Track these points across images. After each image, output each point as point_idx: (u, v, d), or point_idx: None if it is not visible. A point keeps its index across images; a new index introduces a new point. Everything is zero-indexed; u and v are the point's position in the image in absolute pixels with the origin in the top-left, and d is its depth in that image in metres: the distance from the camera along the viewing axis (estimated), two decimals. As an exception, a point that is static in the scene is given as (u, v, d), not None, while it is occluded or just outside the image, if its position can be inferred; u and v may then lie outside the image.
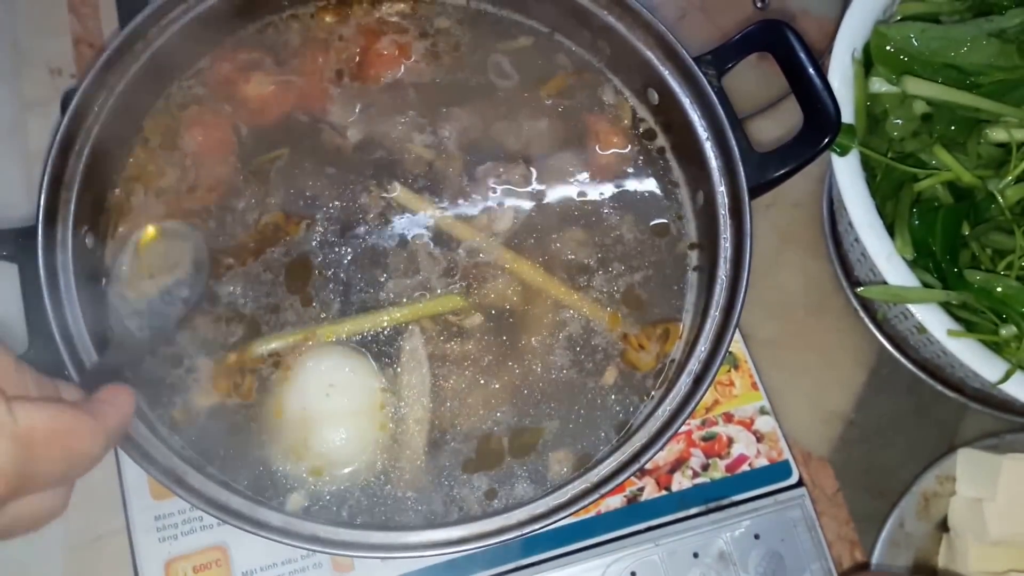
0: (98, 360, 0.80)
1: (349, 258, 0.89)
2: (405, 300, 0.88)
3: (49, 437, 0.57)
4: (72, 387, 0.68)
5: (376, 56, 0.95)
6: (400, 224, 0.91)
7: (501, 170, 0.93)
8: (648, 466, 0.86)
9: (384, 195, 0.91)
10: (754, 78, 1.10)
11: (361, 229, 0.90)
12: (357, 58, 0.96)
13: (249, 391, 0.85)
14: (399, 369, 0.87)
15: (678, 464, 0.96)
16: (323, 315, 0.88)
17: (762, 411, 0.99)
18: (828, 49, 1.12)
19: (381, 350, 0.87)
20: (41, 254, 0.80)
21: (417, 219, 0.91)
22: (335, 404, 0.84)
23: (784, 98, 1.13)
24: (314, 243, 0.90)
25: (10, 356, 0.61)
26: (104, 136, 0.86)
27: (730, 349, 0.84)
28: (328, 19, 0.97)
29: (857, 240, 0.90)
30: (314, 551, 0.87)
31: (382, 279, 0.89)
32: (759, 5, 1.16)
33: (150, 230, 0.89)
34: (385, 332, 0.87)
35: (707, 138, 0.88)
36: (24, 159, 1.07)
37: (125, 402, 0.68)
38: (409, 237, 0.90)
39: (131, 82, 0.87)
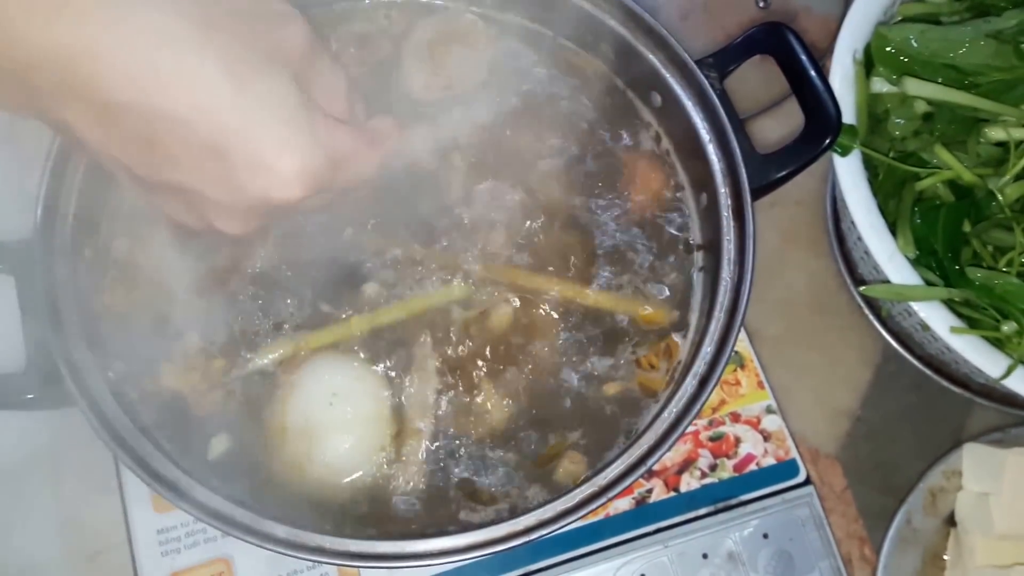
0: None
1: (348, 264, 0.90)
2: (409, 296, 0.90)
3: (348, 157, 0.69)
4: (363, 104, 0.78)
5: (378, 64, 0.97)
6: (405, 232, 0.92)
7: (500, 181, 0.94)
8: (656, 467, 0.88)
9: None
10: (757, 78, 1.12)
11: (362, 236, 0.91)
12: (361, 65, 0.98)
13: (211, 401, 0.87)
14: (406, 377, 0.88)
15: (686, 465, 0.98)
16: (321, 321, 0.88)
17: (769, 410, 1.01)
18: (831, 47, 1.15)
19: (387, 358, 0.88)
20: (39, 267, 0.82)
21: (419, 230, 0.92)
22: (339, 413, 0.84)
23: (787, 98, 1.14)
24: (316, 251, 0.90)
25: (337, 73, 0.72)
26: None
27: (736, 348, 0.86)
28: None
29: (860, 239, 0.92)
30: (320, 562, 0.90)
31: (387, 285, 0.90)
32: (762, 4, 1.18)
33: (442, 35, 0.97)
34: (392, 340, 0.88)
35: (709, 140, 0.89)
36: (17, 168, 1.09)
37: (394, 133, 0.80)
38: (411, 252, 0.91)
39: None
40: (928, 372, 1.06)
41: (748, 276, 0.85)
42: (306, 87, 0.66)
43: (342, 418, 0.85)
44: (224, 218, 0.68)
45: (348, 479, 0.85)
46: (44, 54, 0.56)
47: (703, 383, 0.83)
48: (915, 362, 1.06)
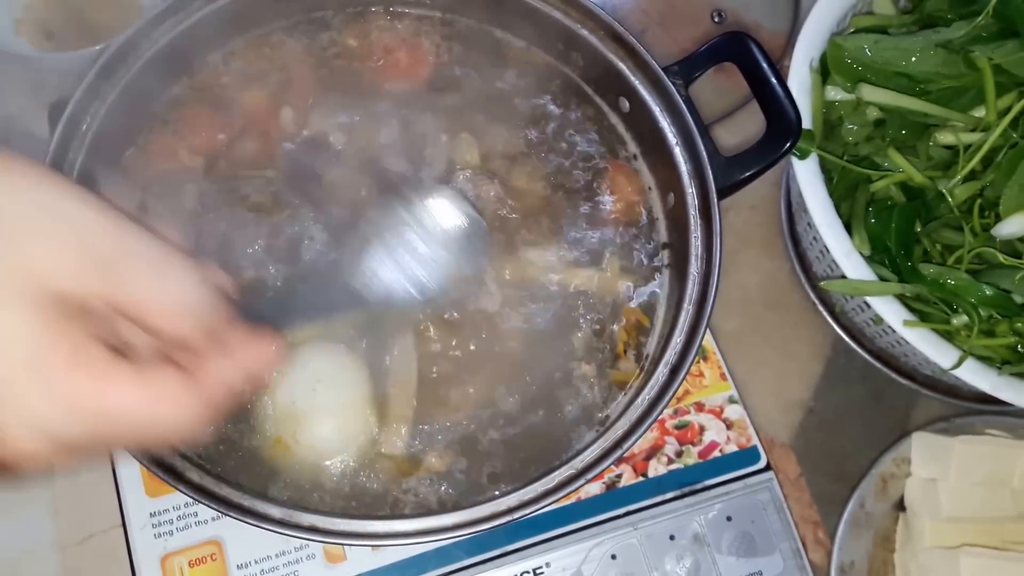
0: None
1: (335, 260, 0.90)
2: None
3: (123, 414, 0.51)
4: (234, 329, 0.58)
5: (363, 70, 0.98)
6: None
7: (473, 179, 0.94)
8: (626, 454, 0.88)
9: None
10: (711, 89, 1.13)
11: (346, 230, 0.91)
12: (358, 66, 0.98)
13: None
14: (388, 364, 0.87)
15: (653, 451, 0.99)
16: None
17: (731, 400, 1.02)
18: (781, 59, 1.17)
19: (371, 347, 0.88)
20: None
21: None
22: (322, 398, 0.84)
23: (738, 109, 1.16)
24: (303, 243, 0.90)
25: (158, 285, 0.53)
26: (97, 144, 0.86)
27: (699, 342, 0.87)
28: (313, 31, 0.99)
29: (817, 238, 0.93)
30: (312, 541, 0.88)
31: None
32: (716, 19, 1.19)
33: None
34: (375, 329, 0.88)
35: (676, 143, 0.90)
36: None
37: (255, 358, 0.58)
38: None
39: (122, 93, 0.88)
40: (877, 365, 1.08)
41: (716, 270, 0.86)
42: (110, 309, 0.51)
43: (325, 403, 0.85)
44: None
45: (331, 461, 0.85)
46: None
47: (674, 371, 0.84)
48: (865, 355, 1.08)
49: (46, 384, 0.48)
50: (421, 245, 0.76)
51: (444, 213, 0.78)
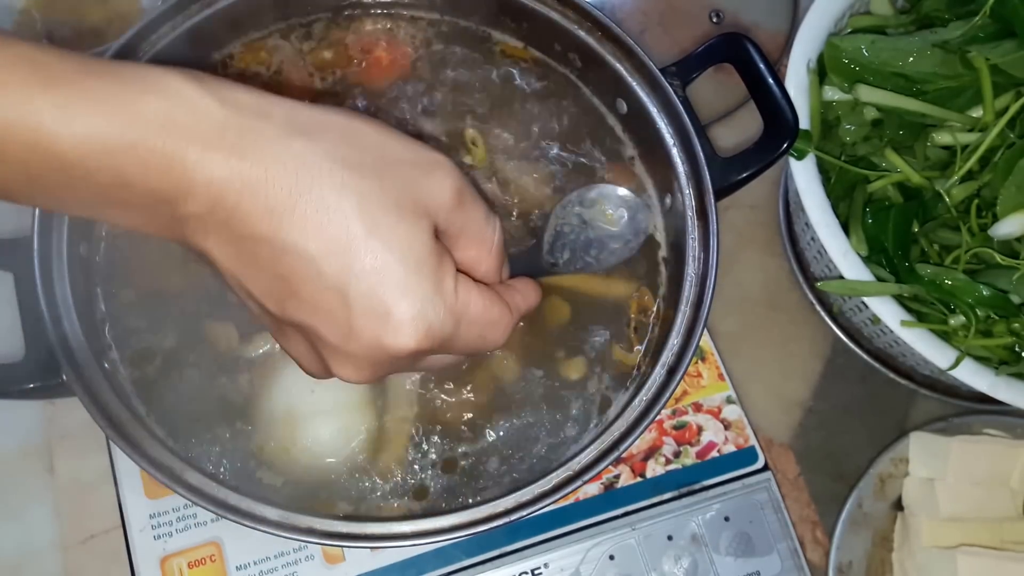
0: None
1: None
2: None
3: (474, 320, 0.65)
4: (506, 264, 0.74)
5: (360, 71, 0.97)
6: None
7: (472, 179, 0.93)
8: (624, 455, 0.88)
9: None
10: (712, 88, 1.12)
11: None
12: (341, 73, 0.97)
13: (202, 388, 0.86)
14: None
15: (651, 452, 0.98)
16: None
17: (728, 400, 1.01)
18: (779, 59, 1.17)
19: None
20: (37, 264, 0.80)
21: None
22: (320, 399, 0.84)
23: (738, 108, 1.16)
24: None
25: (487, 229, 0.68)
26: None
27: (697, 342, 0.86)
28: (311, 37, 0.98)
29: (814, 239, 0.92)
30: (310, 543, 0.89)
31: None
32: (715, 20, 1.18)
33: None
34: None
35: (674, 144, 0.89)
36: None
37: (533, 298, 0.77)
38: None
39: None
40: (875, 365, 1.07)
41: (712, 272, 0.85)
42: (451, 241, 0.65)
43: (323, 405, 0.85)
44: (340, 363, 0.63)
45: (330, 462, 0.85)
46: (199, 184, 0.56)
47: (671, 373, 0.83)
48: (863, 355, 1.07)
49: (433, 283, 0.61)
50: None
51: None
